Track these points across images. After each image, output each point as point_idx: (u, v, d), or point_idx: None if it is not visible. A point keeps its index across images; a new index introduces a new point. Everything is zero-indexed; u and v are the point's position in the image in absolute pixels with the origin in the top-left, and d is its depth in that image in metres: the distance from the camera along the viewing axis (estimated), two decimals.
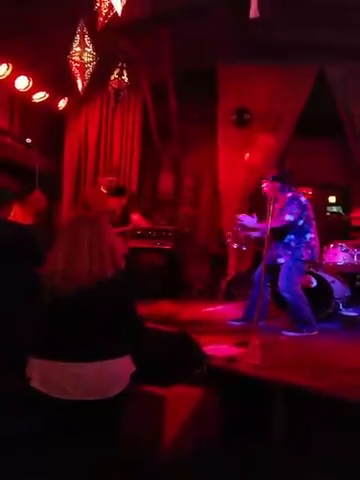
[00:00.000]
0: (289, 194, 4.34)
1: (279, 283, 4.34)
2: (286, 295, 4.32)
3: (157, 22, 5.45)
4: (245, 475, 2.51)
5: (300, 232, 4.36)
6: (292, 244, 4.35)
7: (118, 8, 3.92)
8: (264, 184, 4.35)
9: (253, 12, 4.01)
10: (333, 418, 2.74)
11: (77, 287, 1.94)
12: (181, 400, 2.70)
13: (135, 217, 5.12)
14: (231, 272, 6.30)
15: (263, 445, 2.70)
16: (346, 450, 2.61)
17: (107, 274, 1.97)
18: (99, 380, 1.94)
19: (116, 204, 5.01)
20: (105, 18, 4.09)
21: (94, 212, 4.28)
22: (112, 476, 2.03)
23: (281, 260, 4.36)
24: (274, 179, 4.29)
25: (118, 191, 5.17)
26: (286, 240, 4.36)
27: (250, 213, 4.71)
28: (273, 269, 4.34)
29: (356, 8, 4.64)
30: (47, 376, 1.95)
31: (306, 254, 4.38)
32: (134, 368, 2.07)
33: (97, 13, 4.05)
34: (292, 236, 4.35)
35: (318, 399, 2.80)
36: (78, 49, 4.71)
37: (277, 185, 4.32)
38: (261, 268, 4.27)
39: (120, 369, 2.01)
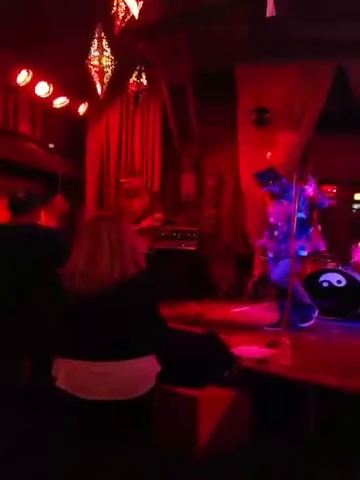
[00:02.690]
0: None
1: (276, 275, 4.28)
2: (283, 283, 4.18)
3: (174, 24, 5.44)
4: (276, 477, 2.44)
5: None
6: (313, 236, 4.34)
7: (135, 11, 3.94)
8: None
9: (270, 11, 3.96)
10: None
11: (99, 287, 1.92)
12: (214, 401, 2.66)
13: (158, 216, 5.10)
14: (257, 272, 6.23)
15: (295, 447, 2.65)
16: None
17: (128, 274, 1.94)
18: (124, 380, 1.93)
19: (138, 205, 5.01)
20: (122, 22, 4.10)
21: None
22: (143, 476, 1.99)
23: (304, 252, 4.27)
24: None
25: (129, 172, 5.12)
26: (309, 232, 4.32)
27: None
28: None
29: None
30: (72, 376, 1.94)
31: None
32: (159, 368, 2.05)
33: (114, 17, 4.06)
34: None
35: (351, 399, 2.73)
36: (96, 53, 4.74)
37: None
38: (274, 267, 4.30)
39: (145, 369, 1.99)
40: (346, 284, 4.85)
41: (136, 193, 5.14)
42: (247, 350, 3.31)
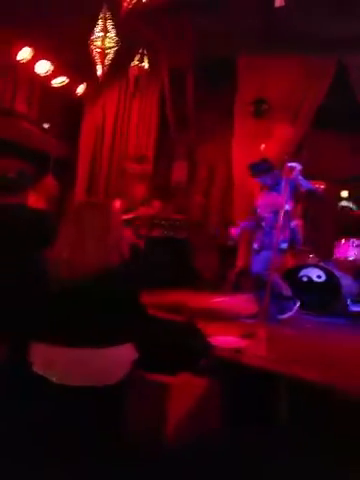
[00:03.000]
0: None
1: (257, 266, 4.37)
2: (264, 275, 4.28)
3: (180, 9, 5.41)
4: (245, 466, 2.52)
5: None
6: (295, 230, 4.40)
7: None
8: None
9: (278, 1, 3.99)
10: (337, 412, 2.79)
11: (81, 275, 1.92)
12: (185, 388, 2.70)
13: (157, 203, 5.12)
14: (240, 263, 6.32)
15: (265, 437, 2.73)
16: (349, 444, 2.63)
17: (111, 263, 1.95)
18: (100, 367, 1.95)
19: (140, 191, 5.03)
20: (129, 4, 4.09)
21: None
22: (114, 460, 2.04)
23: (285, 245, 4.33)
24: None
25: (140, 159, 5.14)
26: (292, 225, 4.37)
27: None
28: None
29: None
30: (49, 361, 1.95)
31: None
32: (136, 355, 2.08)
33: None
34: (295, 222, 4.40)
35: (323, 392, 2.83)
36: (100, 34, 4.72)
37: None
38: (257, 258, 4.38)
39: (121, 356, 2.02)
40: (325, 279, 4.96)
41: (145, 178, 5.17)
42: (223, 340, 3.39)
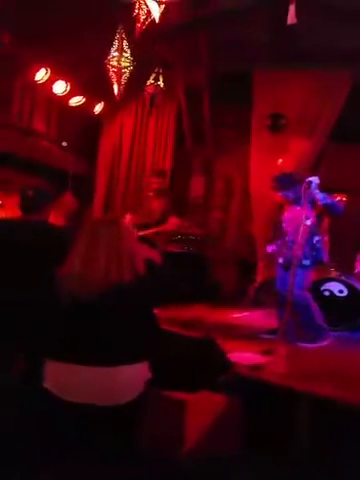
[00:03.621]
0: None
1: (282, 282, 4.23)
2: (298, 299, 4.11)
3: (195, 27, 5.47)
4: None
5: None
6: (318, 245, 4.24)
7: (156, 15, 3.98)
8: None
9: (291, 18, 3.99)
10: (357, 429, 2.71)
11: (94, 291, 1.90)
12: (203, 406, 2.67)
13: (173, 219, 5.11)
14: (259, 278, 6.26)
15: (285, 456, 2.67)
16: None
17: (125, 278, 1.92)
18: (112, 385, 1.91)
19: (158, 206, 5.03)
20: (143, 24, 4.14)
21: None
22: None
23: (307, 262, 4.21)
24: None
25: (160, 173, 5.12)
26: (314, 240, 4.22)
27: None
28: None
29: None
30: (59, 378, 1.93)
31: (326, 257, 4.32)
32: (150, 375, 2.02)
33: (135, 19, 4.11)
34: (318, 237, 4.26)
35: (345, 411, 2.75)
36: (116, 54, 4.78)
37: None
38: (282, 274, 4.27)
39: (134, 375, 1.96)
40: (347, 294, 4.86)
41: (163, 194, 5.19)
42: (241, 356, 3.34)
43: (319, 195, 4.13)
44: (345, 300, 4.84)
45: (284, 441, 2.79)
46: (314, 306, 4.25)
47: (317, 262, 4.27)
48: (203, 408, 2.69)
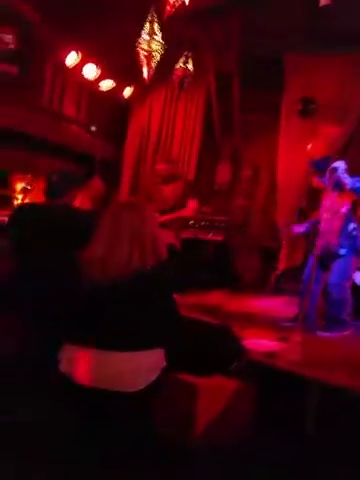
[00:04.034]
0: None
1: (332, 277, 4.18)
2: (336, 291, 4.16)
3: (228, 9, 5.40)
4: (273, 470, 2.54)
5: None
6: (354, 233, 4.16)
7: None
8: None
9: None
10: None
11: (115, 276, 1.87)
12: (215, 390, 2.73)
13: (192, 204, 5.10)
14: (281, 266, 6.26)
15: (295, 442, 2.73)
16: None
17: (147, 264, 1.89)
18: (128, 371, 1.89)
19: (170, 192, 5.05)
20: (173, 6, 4.15)
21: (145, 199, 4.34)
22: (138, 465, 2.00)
23: (343, 251, 4.15)
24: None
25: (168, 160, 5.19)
26: (349, 228, 4.16)
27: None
28: (328, 260, 4.20)
29: None
30: (74, 361, 1.92)
31: None
32: (165, 363, 2.01)
33: (165, 1, 4.11)
34: (354, 224, 4.18)
35: (356, 399, 2.79)
36: (147, 37, 4.77)
37: None
38: (314, 263, 4.13)
39: (148, 362, 1.95)
40: None
41: (172, 180, 5.20)
42: (257, 343, 3.40)
43: (347, 179, 4.04)
44: None
45: (293, 427, 2.85)
46: (349, 299, 4.22)
47: (355, 251, 4.19)
48: (215, 392, 2.74)
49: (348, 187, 4.02)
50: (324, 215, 4.14)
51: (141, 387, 1.92)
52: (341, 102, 6.00)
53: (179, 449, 2.42)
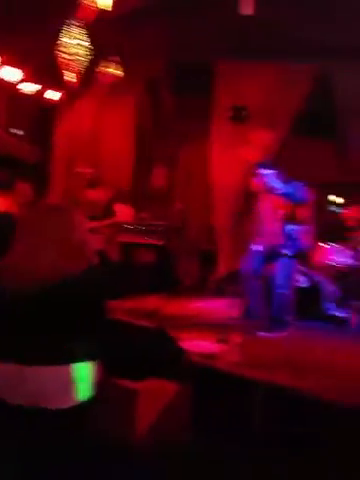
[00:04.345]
0: None
1: (277, 279, 4.27)
2: (282, 291, 4.24)
3: (154, 13, 5.37)
4: (211, 472, 2.49)
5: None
6: (294, 235, 4.28)
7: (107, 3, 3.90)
8: None
9: (244, 8, 3.95)
10: (310, 418, 2.71)
11: (40, 283, 1.75)
12: (154, 394, 2.68)
13: (125, 210, 5.02)
14: (221, 268, 6.26)
15: (236, 443, 2.66)
16: (321, 449, 2.58)
17: (75, 270, 1.78)
18: (59, 386, 1.75)
19: (96, 197, 4.94)
20: (91, 11, 4.08)
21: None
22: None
23: (287, 251, 4.25)
24: None
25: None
26: (289, 230, 4.27)
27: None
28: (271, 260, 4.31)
29: (357, 8, 4.56)
30: (1, 379, 1.78)
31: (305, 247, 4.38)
32: (102, 376, 1.88)
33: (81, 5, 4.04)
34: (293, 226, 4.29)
35: (295, 399, 2.78)
36: (66, 40, 4.68)
37: None
38: (257, 263, 4.30)
39: (80, 376, 1.80)
40: (306, 284, 4.92)
41: (97, 184, 5.10)
42: (196, 345, 3.34)
43: (277, 185, 4.19)
44: (304, 290, 4.87)
45: (235, 427, 2.78)
46: (292, 299, 4.31)
47: (297, 252, 4.29)
48: (154, 396, 2.71)
49: (278, 192, 4.18)
50: (264, 217, 4.30)
51: (72, 404, 1.76)
52: (271, 108, 6.13)
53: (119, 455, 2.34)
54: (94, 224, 4.29)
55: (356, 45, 5.28)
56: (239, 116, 6.29)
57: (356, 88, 5.88)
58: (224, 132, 6.31)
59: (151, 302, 5.01)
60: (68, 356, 1.77)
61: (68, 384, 1.75)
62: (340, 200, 7.33)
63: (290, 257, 4.24)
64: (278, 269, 4.27)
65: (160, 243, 6.19)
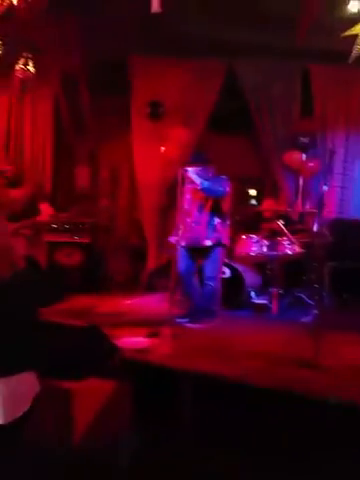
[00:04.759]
0: None
1: (206, 271, 4.47)
2: (211, 283, 4.44)
3: (66, 9, 5.25)
4: (156, 464, 2.59)
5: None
6: (218, 227, 4.46)
7: None
8: None
9: (155, 7, 4.03)
10: (238, 403, 2.87)
11: None
12: (91, 393, 2.67)
13: (45, 208, 4.94)
14: (151, 264, 6.37)
15: (173, 434, 2.79)
16: (250, 433, 2.73)
17: (1, 277, 1.73)
18: None
19: (17, 196, 4.83)
20: (7, 5, 3.99)
21: None
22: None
23: (209, 242, 4.43)
24: None
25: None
26: (214, 222, 4.46)
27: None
28: (196, 253, 4.48)
29: (267, 6, 4.79)
30: None
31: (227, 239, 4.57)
32: (37, 388, 1.80)
33: None
34: (218, 219, 4.47)
35: (223, 385, 2.94)
36: None
37: None
38: (186, 258, 4.45)
39: (16, 390, 1.72)
40: (229, 275, 5.16)
41: (18, 182, 4.99)
42: (129, 341, 3.41)
43: (197, 180, 4.35)
44: (228, 280, 5.11)
45: (171, 418, 2.91)
46: (218, 288, 4.51)
47: (220, 244, 4.48)
48: (91, 395, 2.68)
49: (198, 188, 4.34)
50: (191, 210, 4.46)
51: (9, 420, 1.69)
52: (187, 105, 6.27)
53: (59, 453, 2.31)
54: (16, 225, 4.20)
55: (259, 43, 5.55)
56: (156, 113, 6.37)
57: (263, 85, 6.21)
58: (144, 129, 6.37)
59: (81, 301, 5.04)
60: (2, 369, 1.69)
61: (4, 399, 1.68)
62: (254, 192, 7.66)
63: (216, 249, 4.44)
64: (206, 262, 4.46)
65: (87, 241, 6.17)
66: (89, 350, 2.89)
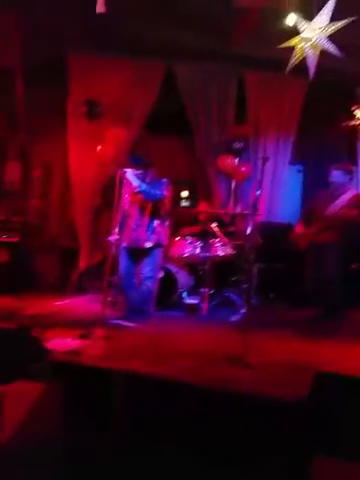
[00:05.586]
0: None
1: (144, 271, 4.48)
2: (149, 283, 4.47)
3: (2, 4, 5.12)
4: (87, 466, 2.53)
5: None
6: (158, 229, 4.50)
7: None
8: None
9: (100, 6, 4.01)
10: (171, 402, 2.88)
11: None
12: (20, 396, 2.64)
13: None
14: (82, 264, 6.28)
15: (105, 435, 2.74)
16: (184, 432, 2.73)
17: None
18: None
19: None
20: None
21: None
22: None
23: (149, 244, 4.46)
24: None
25: None
26: (154, 224, 4.49)
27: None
28: (137, 254, 4.49)
29: (206, 11, 4.88)
30: None
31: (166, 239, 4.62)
32: None
33: None
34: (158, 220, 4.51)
35: (157, 384, 2.93)
36: None
37: None
38: (127, 259, 4.47)
39: None
40: (163, 275, 5.18)
41: None
42: (59, 343, 3.36)
43: (135, 182, 4.36)
44: (161, 281, 5.11)
45: (103, 419, 2.88)
46: (155, 288, 4.56)
47: (159, 245, 4.51)
48: (20, 397, 2.66)
49: (136, 190, 4.38)
50: (131, 211, 4.48)
51: None
52: (125, 105, 6.26)
53: None
54: None
55: (197, 47, 5.67)
56: (93, 112, 6.30)
57: (200, 88, 6.33)
58: (80, 128, 6.28)
59: (8, 302, 4.86)
60: None
61: None
62: (186, 194, 7.75)
63: (155, 250, 4.48)
64: (145, 263, 4.48)
65: (15, 240, 5.98)
66: (18, 352, 2.82)
